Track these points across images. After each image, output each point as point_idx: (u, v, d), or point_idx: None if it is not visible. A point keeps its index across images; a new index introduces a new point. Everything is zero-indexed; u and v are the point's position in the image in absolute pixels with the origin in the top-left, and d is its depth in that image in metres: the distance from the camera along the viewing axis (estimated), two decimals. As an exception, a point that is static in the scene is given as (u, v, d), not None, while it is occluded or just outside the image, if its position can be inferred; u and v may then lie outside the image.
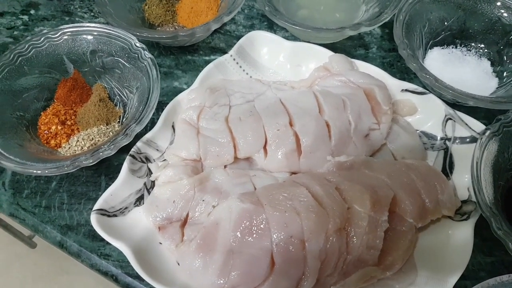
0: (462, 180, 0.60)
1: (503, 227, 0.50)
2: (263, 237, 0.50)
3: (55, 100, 0.69)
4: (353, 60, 0.67)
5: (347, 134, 0.60)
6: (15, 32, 0.83)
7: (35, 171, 0.56)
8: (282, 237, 0.50)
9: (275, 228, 0.51)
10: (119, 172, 0.63)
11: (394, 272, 0.53)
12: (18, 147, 0.61)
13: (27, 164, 0.57)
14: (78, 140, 0.64)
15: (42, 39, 0.67)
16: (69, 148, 0.64)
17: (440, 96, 0.64)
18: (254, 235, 0.51)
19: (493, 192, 0.54)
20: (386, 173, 0.57)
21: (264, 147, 0.60)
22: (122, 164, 0.64)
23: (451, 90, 0.62)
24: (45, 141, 0.65)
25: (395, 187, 0.55)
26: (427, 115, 0.64)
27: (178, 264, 0.54)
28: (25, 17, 0.86)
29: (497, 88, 0.70)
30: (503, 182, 0.58)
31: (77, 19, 0.84)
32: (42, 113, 0.67)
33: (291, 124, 0.60)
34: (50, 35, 0.67)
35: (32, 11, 0.87)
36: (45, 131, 0.65)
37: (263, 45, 0.71)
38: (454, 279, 0.51)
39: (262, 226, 0.51)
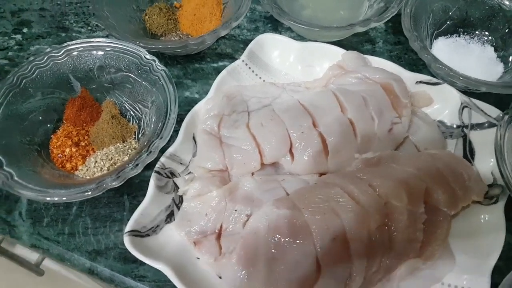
0: (484, 165, 0.61)
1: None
2: (305, 241, 0.50)
3: (64, 121, 0.66)
4: (365, 56, 0.68)
5: (372, 131, 0.60)
6: (10, 53, 0.80)
7: (57, 198, 0.53)
8: (324, 239, 0.50)
9: (316, 231, 0.50)
10: (141, 190, 0.62)
11: (435, 260, 0.53)
12: (33, 173, 0.58)
13: (49, 192, 0.54)
14: (96, 161, 0.61)
15: (45, 58, 0.64)
16: (87, 170, 0.61)
17: (451, 85, 0.65)
18: (296, 240, 0.50)
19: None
20: (414, 165, 0.57)
21: (290, 151, 0.59)
22: (143, 181, 0.63)
23: (466, 78, 0.63)
24: (60, 165, 0.62)
25: (424, 178, 0.56)
26: (443, 104, 0.65)
27: (220, 277, 0.53)
28: (18, 36, 0.82)
29: (503, 73, 0.71)
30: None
31: (74, 34, 0.81)
32: (52, 135, 0.65)
33: (314, 125, 0.60)
34: (53, 54, 0.64)
35: (25, 30, 0.83)
36: (59, 155, 0.63)
37: (273, 47, 0.70)
38: (492, 262, 0.52)
39: (302, 230, 0.50)
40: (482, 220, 0.57)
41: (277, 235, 0.50)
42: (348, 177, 0.56)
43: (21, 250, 0.90)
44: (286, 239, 0.50)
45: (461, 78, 0.63)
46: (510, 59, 0.72)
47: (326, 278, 0.49)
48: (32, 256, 0.85)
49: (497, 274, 0.52)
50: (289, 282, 0.49)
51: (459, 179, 0.57)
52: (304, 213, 0.52)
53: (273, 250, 0.50)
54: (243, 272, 0.50)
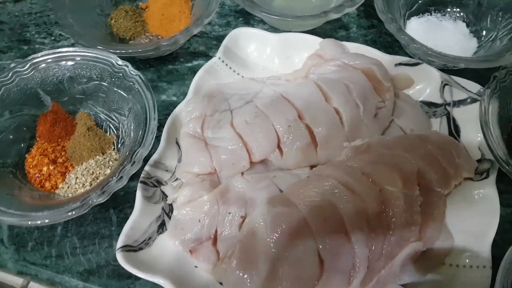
0: (471, 140, 0.61)
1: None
2: (305, 237, 0.49)
3: (37, 139, 0.63)
4: (342, 42, 0.67)
5: (358, 118, 0.59)
6: (-32, 72, 0.75)
7: (40, 222, 0.50)
8: (324, 233, 0.49)
9: (315, 225, 0.49)
10: (127, 202, 0.60)
11: (435, 241, 0.54)
12: (11, 197, 0.55)
13: (31, 215, 0.51)
14: (77, 177, 0.59)
15: (10, 74, 0.61)
16: (69, 187, 0.58)
17: (429, 64, 0.65)
18: (296, 237, 0.49)
19: (505, 147, 0.55)
20: (403, 149, 0.57)
21: (278, 146, 0.58)
22: (128, 193, 0.60)
23: (444, 56, 0.63)
24: (39, 185, 0.59)
25: (415, 161, 0.55)
26: (424, 84, 0.65)
27: (221, 283, 0.51)
28: (-25, 53, 0.77)
29: (477, 47, 0.72)
30: (505, 135, 0.59)
31: (37, 46, 0.77)
32: (26, 155, 0.61)
33: (300, 118, 0.59)
34: (18, 69, 0.61)
35: (-18, 46, 0.78)
36: (36, 174, 0.59)
37: (248, 42, 0.69)
38: (491, 236, 0.53)
39: (300, 226, 0.49)
40: (476, 196, 0.57)
41: (276, 234, 0.49)
42: (340, 167, 0.56)
43: (5, 275, 0.86)
44: (286, 237, 0.49)
45: (439, 56, 0.63)
46: (483, 33, 0.73)
47: (330, 272, 0.48)
48: (16, 279, 0.81)
49: (494, 247, 0.52)
50: (294, 280, 0.48)
51: (448, 157, 0.57)
52: (300, 208, 0.50)
53: (273, 250, 0.48)
54: (245, 276, 0.48)
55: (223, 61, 0.67)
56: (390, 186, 0.52)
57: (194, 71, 0.65)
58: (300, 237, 0.49)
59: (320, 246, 0.48)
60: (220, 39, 0.68)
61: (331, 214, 0.50)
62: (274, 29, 0.77)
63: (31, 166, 0.60)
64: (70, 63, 0.62)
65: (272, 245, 0.48)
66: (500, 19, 0.71)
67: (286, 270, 0.48)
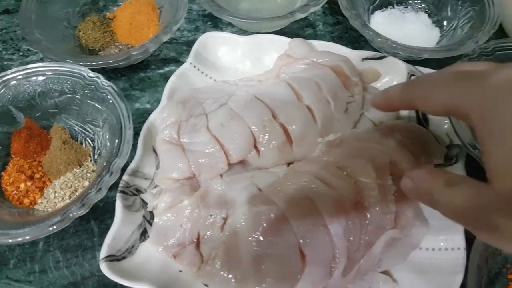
0: (439, 127, 0.63)
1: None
2: (285, 233, 0.50)
3: (12, 156, 0.62)
4: (310, 41, 0.68)
5: (329, 113, 0.61)
6: None
7: (21, 239, 0.50)
8: (304, 228, 0.50)
9: (294, 221, 0.50)
10: (108, 212, 0.60)
11: (412, 228, 0.55)
12: (-12, 217, 0.55)
13: (11, 233, 0.50)
14: (56, 191, 0.58)
15: (-20, 93, 0.60)
16: (48, 202, 0.58)
17: (395, 57, 0.67)
18: (277, 234, 0.50)
19: (470, 132, 0.58)
20: (375, 140, 0.58)
21: (255, 146, 0.59)
22: (108, 204, 0.60)
23: (408, 48, 0.65)
24: (17, 202, 0.59)
25: (387, 151, 0.57)
26: (390, 77, 0.67)
27: (207, 286, 0.52)
28: None
29: (440, 37, 0.74)
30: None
31: (5, 63, 0.76)
32: (2, 173, 0.61)
33: (274, 117, 0.60)
34: (-13, 88, 0.60)
35: (-51, 66, 0.77)
36: (14, 192, 0.59)
37: (218, 45, 0.69)
38: (463, 219, 0.54)
39: (281, 223, 0.50)
40: (447, 181, 0.59)
41: (257, 233, 0.50)
42: (316, 162, 0.57)
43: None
44: (267, 235, 0.50)
45: (403, 48, 0.65)
46: (444, 23, 0.75)
47: (312, 266, 0.49)
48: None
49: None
50: (277, 275, 0.49)
51: (418, 145, 0.59)
52: (280, 206, 0.51)
53: (256, 248, 0.49)
54: (229, 276, 0.49)
55: (194, 66, 0.67)
56: (364, 178, 0.53)
57: (166, 77, 0.66)
58: (281, 234, 0.50)
59: (301, 241, 0.49)
60: (190, 44, 0.69)
61: (309, 209, 0.51)
62: (243, 32, 0.78)
63: (8, 183, 0.60)
64: (41, 78, 0.61)
65: (254, 243, 0.49)
66: (460, 8, 0.74)
67: (269, 267, 0.49)
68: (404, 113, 0.65)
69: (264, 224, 0.50)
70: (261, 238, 0.50)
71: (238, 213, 0.53)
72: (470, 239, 0.52)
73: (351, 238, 0.51)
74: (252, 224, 0.51)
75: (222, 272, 0.50)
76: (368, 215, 0.53)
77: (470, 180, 0.35)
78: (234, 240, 0.51)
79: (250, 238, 0.50)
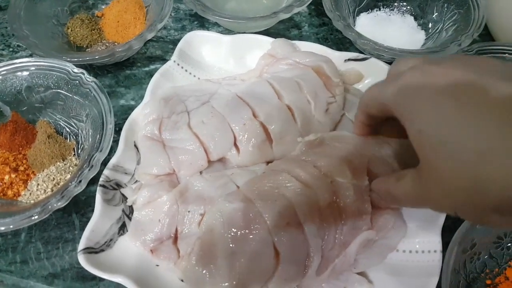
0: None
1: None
2: (260, 231, 0.51)
3: (-2, 149, 0.64)
4: (293, 41, 0.69)
5: (310, 113, 0.62)
6: None
7: (3, 228, 0.51)
8: (279, 225, 0.51)
9: (269, 218, 0.51)
10: (89, 206, 0.61)
11: (388, 229, 0.55)
12: (-28, 208, 0.56)
13: (-8, 223, 0.52)
14: (38, 184, 0.60)
15: (-33, 87, 0.61)
16: (31, 194, 0.60)
17: (378, 58, 0.67)
18: (251, 231, 0.51)
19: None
20: (354, 142, 0.59)
21: (235, 144, 0.60)
22: (89, 197, 0.62)
23: (391, 50, 0.66)
24: (1, 193, 0.60)
25: (366, 153, 0.57)
26: (373, 78, 0.67)
27: (182, 281, 0.53)
28: None
29: (425, 40, 0.75)
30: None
31: (-5, 58, 0.78)
32: (-13, 165, 0.62)
33: (255, 116, 0.61)
34: (-26, 82, 0.62)
35: None
36: (-2, 183, 0.60)
37: (202, 44, 0.70)
38: (440, 222, 0.55)
39: (256, 220, 0.51)
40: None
41: (233, 229, 0.51)
42: (294, 161, 0.58)
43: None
44: (242, 232, 0.51)
45: (386, 50, 0.66)
46: (429, 26, 0.76)
47: (285, 264, 0.50)
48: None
49: (447, 233, 0.55)
50: (250, 273, 0.49)
51: (403, 155, 0.59)
52: (256, 203, 0.52)
53: (231, 245, 0.50)
54: (204, 271, 0.50)
55: (178, 64, 0.68)
56: (340, 178, 0.54)
57: (151, 75, 0.67)
58: (256, 231, 0.51)
59: (275, 239, 0.50)
60: (176, 43, 0.70)
61: (284, 207, 0.52)
62: (228, 31, 0.78)
63: (-8, 175, 0.61)
64: (26, 73, 0.63)
65: (229, 240, 0.50)
66: (445, 10, 0.74)
67: (243, 263, 0.49)
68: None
69: (240, 221, 0.51)
70: (237, 235, 0.51)
71: (214, 209, 0.54)
72: (448, 242, 0.52)
73: (326, 237, 0.52)
74: (228, 221, 0.51)
75: (197, 268, 0.51)
76: (344, 215, 0.53)
77: (412, 170, 0.41)
78: (209, 236, 0.52)
79: (225, 235, 0.51)
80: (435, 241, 0.54)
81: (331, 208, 0.53)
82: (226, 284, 0.50)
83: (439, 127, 0.34)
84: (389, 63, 0.67)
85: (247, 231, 0.51)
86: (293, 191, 0.53)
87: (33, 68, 0.63)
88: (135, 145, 0.62)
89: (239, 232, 0.51)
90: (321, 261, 0.52)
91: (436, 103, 0.35)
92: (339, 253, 0.53)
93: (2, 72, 0.62)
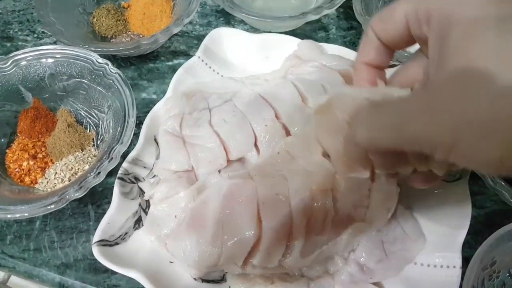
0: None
1: (496, 181, 0.53)
2: (250, 202, 0.50)
3: (18, 134, 0.63)
4: (320, 44, 0.68)
5: (333, 118, 0.60)
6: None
7: (19, 215, 0.51)
8: (268, 195, 0.51)
9: (261, 190, 0.51)
10: (105, 198, 0.61)
11: (382, 222, 0.55)
12: (-11, 192, 0.56)
13: (10, 209, 0.52)
14: (56, 172, 0.59)
15: (-8, 71, 0.61)
16: (48, 182, 0.59)
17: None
18: (242, 203, 0.51)
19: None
20: None
21: (255, 145, 0.59)
22: (106, 189, 0.61)
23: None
24: (19, 180, 0.60)
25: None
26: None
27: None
28: (-40, 50, 0.78)
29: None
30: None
31: (20, 43, 0.78)
32: (7, 150, 0.62)
33: (277, 117, 0.60)
34: (0, 66, 0.62)
35: (-34, 42, 0.79)
36: (16, 169, 0.60)
37: (228, 41, 0.69)
38: (461, 237, 0.53)
39: (250, 192, 0.51)
40: (448, 197, 0.57)
41: (226, 201, 0.51)
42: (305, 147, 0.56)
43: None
44: (234, 203, 0.51)
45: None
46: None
47: (267, 233, 0.49)
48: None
49: (467, 248, 0.54)
50: (233, 241, 0.49)
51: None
52: (255, 179, 0.52)
53: (220, 215, 0.50)
54: (191, 239, 0.50)
55: (202, 60, 0.68)
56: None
57: (174, 70, 0.66)
58: (245, 202, 0.51)
59: (261, 206, 0.50)
60: (201, 38, 0.69)
61: (278, 182, 0.52)
62: (254, 30, 0.78)
63: (11, 161, 0.61)
64: (50, 60, 0.63)
65: (220, 211, 0.50)
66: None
67: (227, 232, 0.49)
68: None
69: (235, 194, 0.51)
70: (227, 206, 0.50)
71: (214, 184, 0.54)
72: (466, 258, 0.51)
73: (312, 218, 0.51)
74: (224, 194, 0.51)
75: (184, 235, 0.50)
76: (339, 203, 0.52)
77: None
78: (202, 207, 0.52)
79: (218, 206, 0.51)
80: (454, 256, 0.53)
81: (324, 194, 0.52)
82: (209, 248, 0.49)
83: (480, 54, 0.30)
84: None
85: (238, 203, 0.51)
86: (292, 171, 0.53)
87: (58, 56, 0.62)
88: (155, 140, 0.61)
89: (231, 204, 0.51)
90: (307, 243, 0.51)
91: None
92: (328, 239, 0.53)
93: (28, 58, 0.62)
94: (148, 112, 0.62)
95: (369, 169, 0.50)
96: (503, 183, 0.53)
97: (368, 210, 0.54)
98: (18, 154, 0.61)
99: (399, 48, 0.41)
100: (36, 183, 0.60)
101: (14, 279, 0.92)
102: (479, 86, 0.29)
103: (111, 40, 0.76)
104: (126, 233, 0.55)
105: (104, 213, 0.54)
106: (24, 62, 0.62)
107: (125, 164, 0.57)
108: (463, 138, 0.30)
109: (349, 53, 0.67)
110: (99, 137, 0.64)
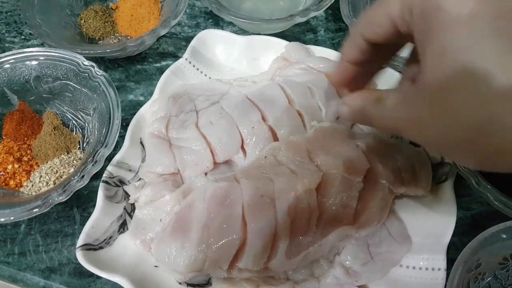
0: (431, 145, 0.62)
1: (481, 183, 0.53)
2: (235, 205, 0.51)
3: (3, 137, 0.63)
4: (308, 46, 0.68)
5: (320, 120, 0.60)
6: None
7: (3, 219, 0.51)
8: (253, 196, 0.51)
9: (246, 192, 0.51)
10: (91, 201, 0.60)
11: (370, 231, 0.55)
12: (-27, 196, 0.56)
13: (-7, 213, 0.51)
14: (41, 176, 0.59)
15: (-24, 73, 0.61)
16: (33, 185, 0.59)
17: (393, 68, 0.66)
18: (227, 206, 0.51)
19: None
20: (366, 143, 0.58)
21: (242, 147, 0.59)
22: (92, 192, 0.61)
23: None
24: (3, 183, 0.59)
25: (372, 157, 0.57)
26: (386, 87, 0.66)
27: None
28: None
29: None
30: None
31: (6, 45, 0.77)
32: (-8, 154, 0.62)
33: (264, 119, 0.60)
34: (-16, 68, 0.61)
35: (-48, 44, 0.78)
36: (1, 172, 0.60)
37: (216, 43, 0.69)
38: (447, 239, 0.54)
39: (235, 195, 0.51)
40: (433, 200, 0.58)
41: (211, 204, 0.51)
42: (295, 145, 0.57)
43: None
44: (219, 206, 0.51)
45: (401, 59, 0.64)
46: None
47: (252, 235, 0.49)
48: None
49: (453, 250, 0.54)
50: (218, 245, 0.49)
51: (408, 164, 0.58)
52: (240, 182, 0.52)
53: (205, 219, 0.50)
54: (176, 243, 0.50)
55: (190, 62, 0.68)
56: (333, 169, 0.54)
57: (162, 71, 0.66)
58: (230, 205, 0.51)
59: (246, 209, 0.50)
60: (189, 40, 0.69)
61: (264, 184, 0.52)
62: (243, 31, 0.77)
63: (-5, 164, 0.61)
64: (35, 62, 0.62)
65: (205, 214, 0.50)
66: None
67: (212, 235, 0.49)
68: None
69: (220, 197, 0.51)
70: (212, 210, 0.51)
71: (200, 186, 0.54)
72: (452, 260, 0.51)
73: (296, 219, 0.51)
74: (209, 197, 0.52)
75: (169, 240, 0.50)
76: (326, 204, 0.53)
77: (396, 91, 0.38)
78: (187, 211, 0.52)
79: (203, 210, 0.51)
80: (439, 258, 0.53)
81: (309, 193, 0.52)
82: (195, 253, 0.49)
83: (469, 48, 0.29)
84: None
85: (223, 206, 0.51)
86: (276, 172, 0.53)
87: (42, 58, 0.62)
88: (141, 142, 0.61)
89: (216, 207, 0.51)
90: (293, 244, 0.51)
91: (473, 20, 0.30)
92: (314, 241, 0.53)
93: (11, 61, 0.62)
94: (135, 114, 0.62)
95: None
96: (488, 185, 0.53)
97: (363, 215, 0.54)
98: (3, 157, 0.61)
99: (387, 44, 0.41)
100: (21, 186, 0.60)
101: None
102: (476, 88, 0.29)
103: (99, 42, 0.76)
104: (110, 237, 0.54)
105: (89, 217, 0.53)
106: (8, 65, 0.62)
107: (109, 167, 0.57)
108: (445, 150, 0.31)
109: (336, 55, 0.67)
110: (85, 140, 0.64)
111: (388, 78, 0.65)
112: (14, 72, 0.62)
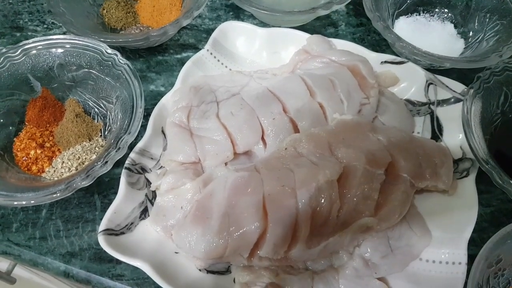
0: (453, 139, 0.62)
1: (503, 178, 0.52)
2: (256, 194, 0.51)
3: (26, 123, 0.64)
4: (329, 39, 0.68)
5: (341, 113, 0.60)
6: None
7: (25, 202, 0.51)
8: (274, 186, 0.51)
9: (267, 182, 0.52)
10: (112, 188, 0.61)
11: (391, 224, 0.55)
12: (-2, 179, 0.56)
13: (16, 196, 0.52)
14: (63, 162, 0.60)
15: (2, 59, 0.62)
16: (55, 171, 0.59)
17: (415, 63, 0.66)
18: (248, 195, 0.51)
19: (486, 147, 0.56)
20: (388, 137, 0.58)
21: (262, 138, 0.59)
22: (113, 179, 0.61)
23: (430, 55, 0.64)
24: (26, 168, 0.60)
25: (393, 150, 0.57)
26: (408, 83, 0.66)
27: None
28: (-30, 39, 0.78)
29: (464, 48, 0.73)
30: (488, 136, 0.60)
31: (29, 33, 0.78)
32: (15, 138, 0.62)
33: (285, 111, 0.60)
34: (9, 54, 0.62)
35: (-23, 31, 0.79)
36: (24, 158, 0.60)
37: (237, 35, 0.70)
38: (467, 234, 0.54)
39: (256, 185, 0.52)
40: (455, 194, 0.58)
41: (232, 194, 0.51)
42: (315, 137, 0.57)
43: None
44: (240, 195, 0.51)
45: (425, 55, 0.64)
46: (470, 35, 0.74)
47: (273, 225, 0.50)
48: (2, 264, 0.82)
49: (473, 246, 0.53)
50: (239, 233, 0.49)
51: (429, 159, 0.58)
52: (261, 172, 0.53)
53: (226, 207, 0.51)
54: (197, 230, 0.50)
55: (211, 54, 0.68)
56: (354, 162, 0.54)
57: (183, 62, 0.67)
58: (251, 194, 0.51)
59: (267, 198, 0.50)
60: (210, 32, 0.69)
61: (285, 174, 0.52)
62: (263, 24, 0.78)
63: (19, 149, 0.61)
64: (60, 50, 0.63)
65: (226, 203, 0.51)
66: (487, 20, 0.72)
67: (233, 223, 0.50)
68: (419, 121, 0.65)
69: (241, 186, 0.52)
70: (233, 198, 0.51)
71: (221, 176, 0.55)
72: (472, 256, 0.51)
73: (318, 209, 0.51)
74: (229, 186, 0.52)
75: (191, 226, 0.51)
76: (347, 195, 0.53)
77: None
78: (208, 199, 0.53)
79: (223, 198, 0.51)
80: (460, 253, 0.53)
81: (331, 185, 0.52)
82: (216, 240, 0.50)
83: None
84: (426, 68, 0.66)
85: (244, 195, 0.52)
86: (297, 163, 0.54)
87: (67, 46, 0.63)
88: (162, 131, 0.62)
89: (236, 196, 0.52)
90: (313, 234, 0.52)
91: None
92: (334, 231, 0.53)
93: (37, 47, 0.62)
94: (155, 104, 0.62)
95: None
96: (511, 181, 0.52)
97: (384, 208, 0.55)
98: (26, 142, 0.61)
99: None
100: (43, 172, 0.60)
101: (17, 271, 0.92)
102: None
103: (120, 32, 0.77)
104: (132, 223, 0.55)
105: (110, 203, 0.54)
106: (34, 51, 0.63)
107: (132, 155, 0.58)
108: None
109: (358, 49, 0.67)
110: (106, 128, 0.64)
111: (410, 72, 0.66)
112: (38, 59, 0.63)
